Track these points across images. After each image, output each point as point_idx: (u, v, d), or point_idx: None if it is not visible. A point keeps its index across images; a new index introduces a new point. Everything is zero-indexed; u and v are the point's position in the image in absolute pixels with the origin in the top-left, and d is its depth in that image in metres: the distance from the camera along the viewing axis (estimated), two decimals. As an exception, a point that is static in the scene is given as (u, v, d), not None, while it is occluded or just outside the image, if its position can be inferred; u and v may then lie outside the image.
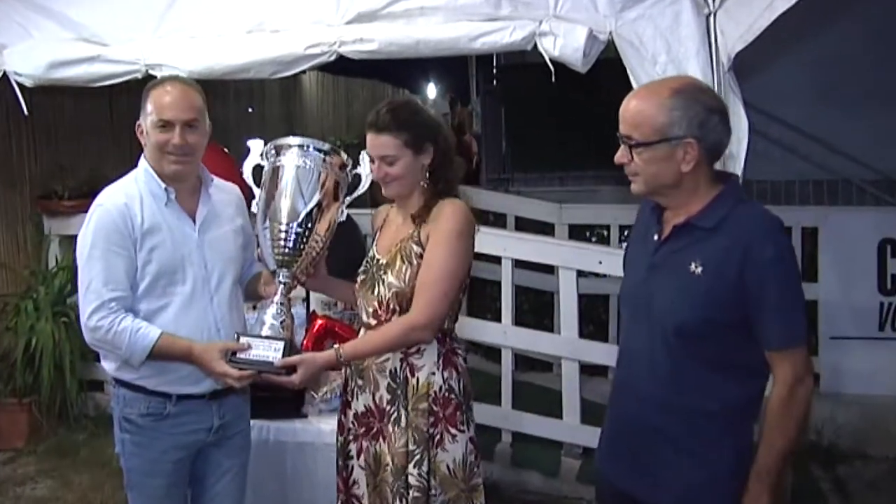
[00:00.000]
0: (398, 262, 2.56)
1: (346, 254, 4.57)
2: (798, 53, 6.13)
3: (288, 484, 3.47)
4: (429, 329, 2.53)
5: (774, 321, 1.99)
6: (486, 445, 4.47)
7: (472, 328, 4.61)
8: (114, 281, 2.54)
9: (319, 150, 2.58)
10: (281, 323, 2.58)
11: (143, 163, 2.67)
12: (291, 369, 2.50)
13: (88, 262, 2.57)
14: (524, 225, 5.98)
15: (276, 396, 3.55)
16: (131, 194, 2.62)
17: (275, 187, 2.57)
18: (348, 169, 2.64)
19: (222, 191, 2.82)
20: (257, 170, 2.66)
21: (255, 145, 2.67)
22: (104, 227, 2.57)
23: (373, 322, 2.62)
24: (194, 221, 2.67)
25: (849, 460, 4.61)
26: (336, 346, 2.60)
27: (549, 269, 5.27)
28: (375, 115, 2.58)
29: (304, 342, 3.90)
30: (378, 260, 2.63)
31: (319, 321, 3.93)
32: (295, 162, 2.56)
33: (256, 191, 2.63)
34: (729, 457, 2.08)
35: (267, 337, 2.55)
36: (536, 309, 6.01)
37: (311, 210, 2.55)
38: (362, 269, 2.68)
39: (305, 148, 2.58)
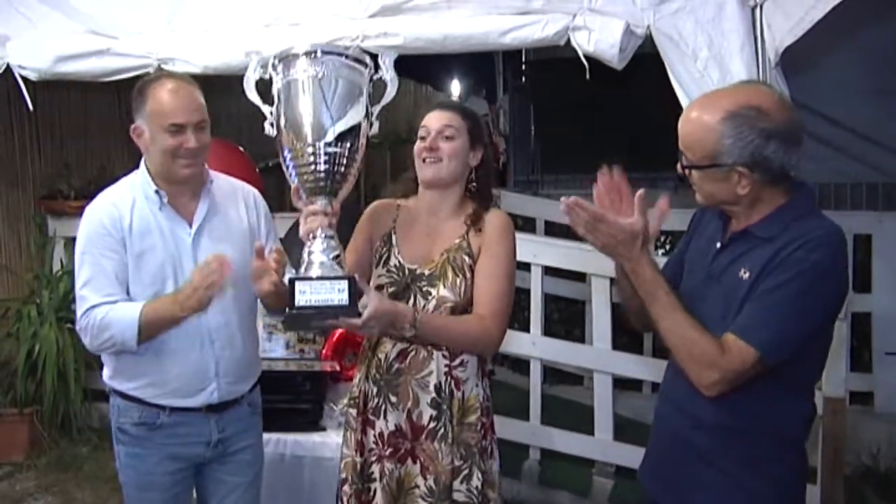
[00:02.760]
0: (450, 275, 2.54)
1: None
2: (851, 46, 6.06)
3: (305, 501, 3.50)
4: (499, 345, 2.59)
5: (751, 309, 1.96)
6: (513, 463, 4.48)
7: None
8: (104, 285, 2.58)
9: (331, 54, 2.34)
10: (335, 259, 2.33)
11: (142, 165, 2.70)
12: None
13: (80, 268, 2.62)
14: (554, 230, 5.99)
15: (294, 409, 3.61)
16: (123, 197, 2.66)
17: (293, 103, 2.35)
18: (371, 73, 2.43)
19: (226, 188, 2.82)
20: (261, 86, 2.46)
21: (255, 57, 2.46)
22: (93, 230, 2.62)
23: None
24: (191, 225, 2.69)
25: (910, 488, 4.52)
26: (417, 308, 2.51)
27: (581, 277, 5.29)
28: (440, 102, 2.67)
29: (324, 351, 3.95)
30: (413, 270, 2.59)
31: (338, 330, 3.97)
32: (309, 73, 2.32)
33: (265, 109, 2.42)
34: (768, 482, 2.07)
35: (325, 277, 2.29)
36: (567, 319, 6.01)
37: (348, 125, 2.33)
38: (387, 279, 2.60)
39: (315, 55, 2.32)
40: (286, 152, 2.35)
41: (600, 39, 3.31)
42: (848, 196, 6.80)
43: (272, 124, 2.39)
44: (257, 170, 5.18)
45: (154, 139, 2.61)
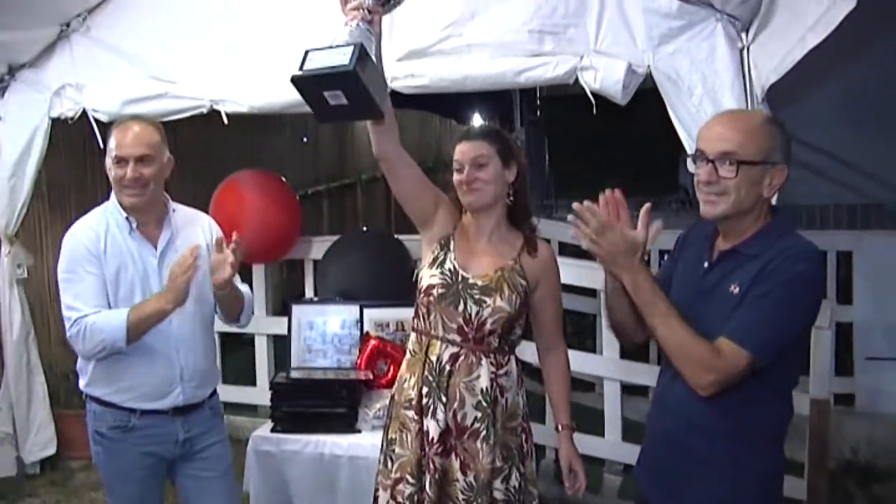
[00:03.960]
0: (507, 290, 2.53)
1: (396, 278, 4.65)
2: (831, 79, 6.07)
3: (343, 496, 3.50)
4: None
5: (742, 316, 1.95)
6: (531, 461, 4.47)
7: (519, 349, 4.63)
8: (91, 297, 2.65)
9: None
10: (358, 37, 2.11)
11: (112, 196, 2.78)
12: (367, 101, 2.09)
13: (64, 285, 2.68)
14: (568, 250, 5.98)
15: (332, 413, 3.62)
16: (99, 222, 2.75)
17: None
18: None
19: (188, 218, 2.90)
20: None
21: None
22: (74, 251, 2.69)
23: (457, 338, 2.54)
24: (156, 248, 2.76)
25: (885, 479, 4.49)
26: (564, 432, 2.71)
27: (592, 293, 5.27)
28: (467, 130, 2.66)
29: (359, 362, 3.96)
30: (466, 278, 2.56)
31: (372, 342, 3.98)
32: None
33: None
34: (752, 475, 2.06)
35: (335, 46, 2.09)
36: (580, 331, 5.98)
37: None
38: (440, 281, 2.56)
39: None
40: None
41: (605, 78, 3.33)
42: (831, 216, 6.81)
43: None
44: (297, 197, 5.21)
45: (109, 171, 2.72)
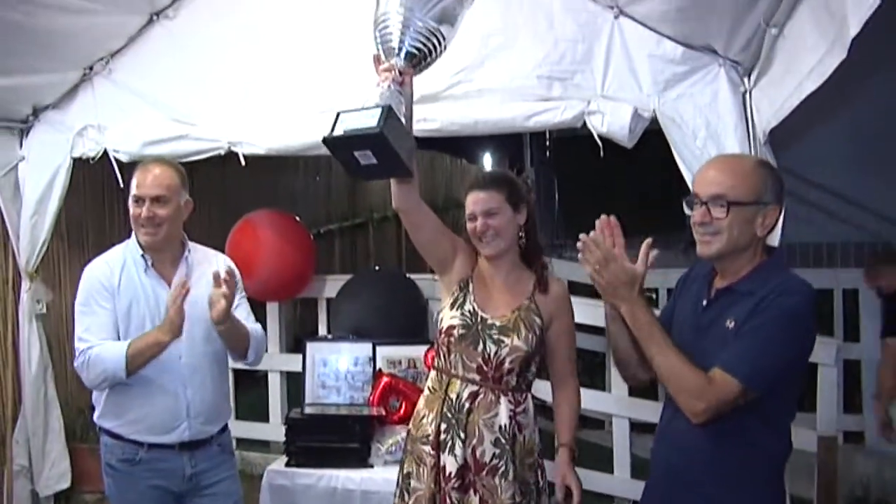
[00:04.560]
0: (524, 330, 2.60)
1: (408, 316, 4.71)
2: (837, 119, 6.12)
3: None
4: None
5: (735, 347, 2.01)
6: (541, 498, 4.48)
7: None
8: (99, 330, 2.74)
9: None
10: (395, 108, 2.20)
11: (133, 234, 2.87)
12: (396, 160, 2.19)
13: (79, 318, 2.78)
14: (577, 289, 6.02)
15: (345, 448, 3.67)
16: (116, 258, 2.84)
17: None
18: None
19: (204, 257, 2.97)
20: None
21: None
22: (89, 285, 2.79)
23: (476, 377, 2.60)
24: (170, 286, 2.81)
25: (896, 517, 4.52)
26: (562, 449, 2.68)
27: (601, 332, 5.31)
28: (476, 178, 2.71)
29: (371, 398, 4.01)
30: (485, 319, 2.63)
31: (385, 379, 4.04)
32: None
33: None
34: None
35: (364, 108, 2.19)
36: (589, 369, 6.00)
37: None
38: (460, 322, 2.63)
39: None
40: (378, 24, 2.36)
41: (612, 122, 3.39)
42: (838, 254, 6.83)
43: None
44: (311, 236, 5.30)
45: (129, 209, 2.80)
